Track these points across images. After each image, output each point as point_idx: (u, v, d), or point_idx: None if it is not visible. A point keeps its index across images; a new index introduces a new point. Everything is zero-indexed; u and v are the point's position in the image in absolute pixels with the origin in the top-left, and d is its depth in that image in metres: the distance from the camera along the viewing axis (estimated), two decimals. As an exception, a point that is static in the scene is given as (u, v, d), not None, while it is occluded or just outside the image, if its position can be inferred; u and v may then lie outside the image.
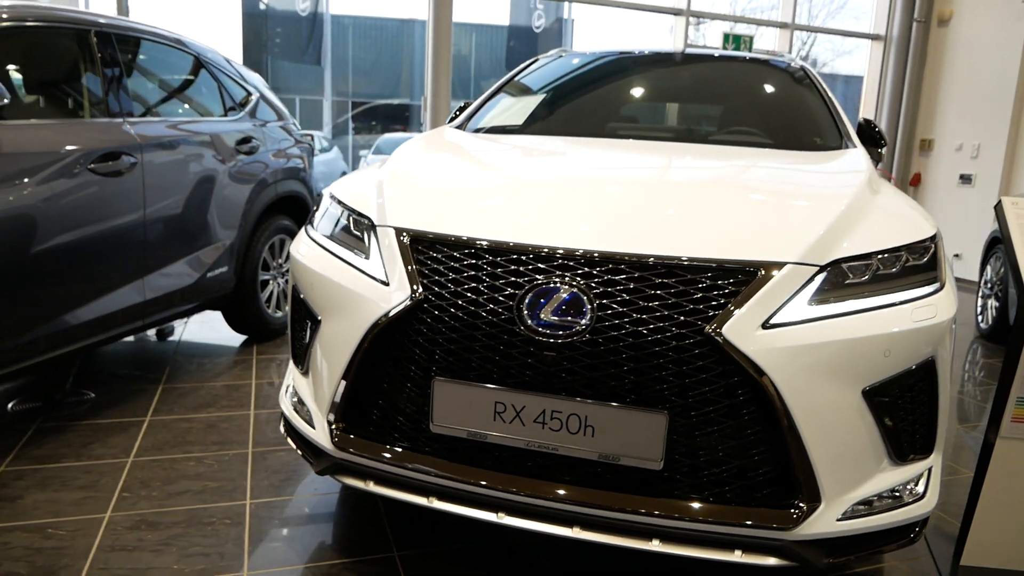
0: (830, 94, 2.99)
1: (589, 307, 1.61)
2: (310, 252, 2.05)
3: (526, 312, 1.64)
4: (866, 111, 7.83)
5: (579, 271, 1.66)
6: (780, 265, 1.65)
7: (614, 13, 7.31)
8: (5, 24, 2.51)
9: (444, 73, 6.00)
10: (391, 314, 1.75)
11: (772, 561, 1.63)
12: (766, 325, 1.59)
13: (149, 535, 2.13)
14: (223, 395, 3.22)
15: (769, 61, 3.30)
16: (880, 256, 1.77)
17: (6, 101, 2.30)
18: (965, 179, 7.24)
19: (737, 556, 1.62)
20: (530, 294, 1.65)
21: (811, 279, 1.67)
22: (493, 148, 2.42)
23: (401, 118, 14.63)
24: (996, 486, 2.12)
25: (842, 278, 1.71)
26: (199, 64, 3.58)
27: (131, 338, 4.02)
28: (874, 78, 7.74)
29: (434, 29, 6.01)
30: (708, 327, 1.57)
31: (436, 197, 1.99)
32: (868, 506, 1.70)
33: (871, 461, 1.69)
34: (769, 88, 3.12)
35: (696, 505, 1.62)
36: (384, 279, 1.80)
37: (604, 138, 2.72)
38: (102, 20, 2.92)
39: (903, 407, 1.71)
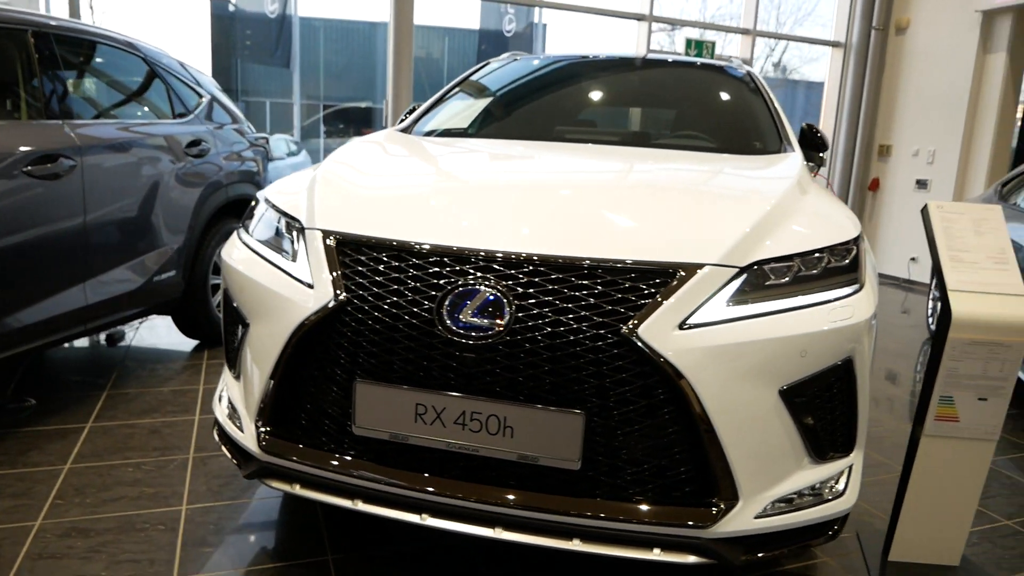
0: (774, 99, 3.04)
1: (508, 309, 1.62)
2: (240, 256, 2.04)
3: (446, 314, 1.65)
4: (827, 117, 7.96)
5: (499, 273, 1.67)
6: (699, 266, 1.67)
7: (584, 18, 7.37)
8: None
9: (405, 76, 6.00)
10: (314, 317, 1.75)
11: (691, 559, 1.65)
12: (683, 326, 1.61)
13: (79, 542, 2.11)
14: (169, 400, 3.19)
15: (717, 67, 3.34)
16: (801, 258, 1.80)
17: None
18: (921, 184, 7.38)
19: (656, 554, 1.64)
20: (450, 296, 1.66)
21: (730, 280, 1.70)
22: (430, 151, 2.43)
23: (371, 121, 14.59)
24: (921, 483, 2.16)
25: (763, 279, 1.74)
26: (148, 67, 3.55)
27: (85, 343, 3.97)
28: (835, 85, 7.86)
29: (395, 32, 6.01)
30: (625, 328, 1.59)
31: (364, 200, 1.99)
32: (787, 504, 1.72)
33: (790, 459, 1.72)
34: (715, 93, 3.16)
35: (614, 504, 1.64)
36: (310, 282, 1.80)
37: (547, 142, 2.73)
38: (40, 20, 2.89)
39: (821, 406, 1.74)
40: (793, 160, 2.47)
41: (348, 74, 14.55)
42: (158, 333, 4.23)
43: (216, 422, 2.08)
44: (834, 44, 7.98)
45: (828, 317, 1.71)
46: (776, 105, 2.98)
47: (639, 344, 1.57)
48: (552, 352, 1.60)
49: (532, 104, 3.17)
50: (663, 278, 1.65)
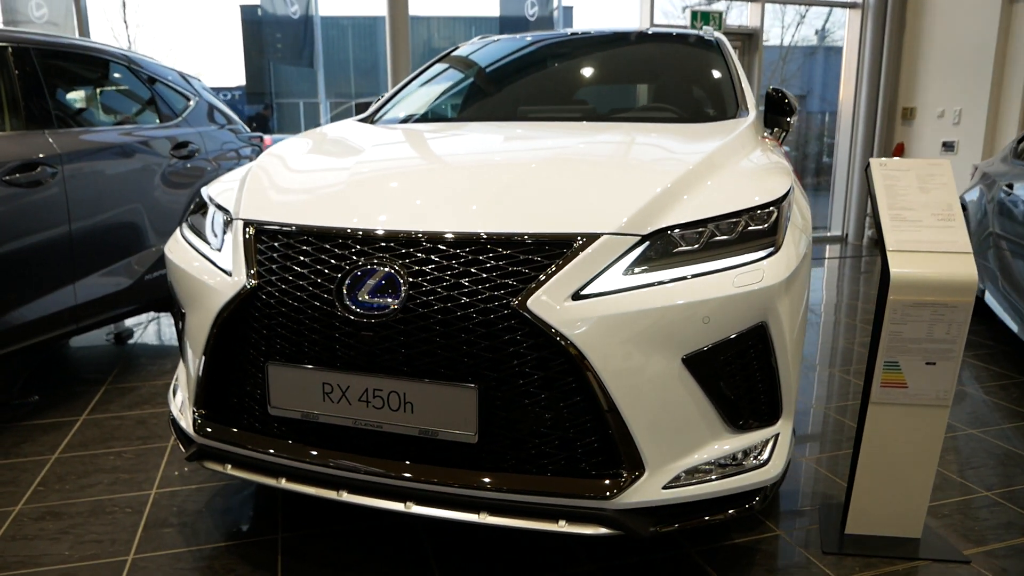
0: (738, 66, 2.97)
1: (403, 286, 1.65)
2: (177, 248, 2.11)
3: (346, 294, 1.68)
4: (847, 81, 7.65)
5: (396, 252, 1.69)
6: (595, 236, 1.66)
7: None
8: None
9: (403, 67, 6.04)
10: (231, 304, 1.80)
11: (597, 530, 1.65)
12: (577, 296, 1.60)
13: (51, 525, 2.23)
14: (161, 392, 3.32)
15: (685, 37, 3.28)
16: (715, 222, 1.76)
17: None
18: (948, 146, 7.04)
19: (562, 526, 1.64)
20: (349, 276, 1.69)
21: (631, 248, 1.68)
22: (366, 139, 2.45)
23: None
24: (872, 453, 2.10)
25: (671, 246, 1.71)
26: (134, 75, 3.68)
27: (94, 341, 4.16)
28: (853, 48, 7.55)
29: (391, 25, 6.07)
30: (515, 300, 1.59)
31: (283, 189, 2.03)
32: (700, 474, 1.70)
33: (702, 429, 1.70)
34: (677, 64, 3.11)
35: (516, 476, 1.64)
36: (230, 270, 1.86)
37: (498, 122, 2.73)
38: (18, 36, 3.02)
39: (734, 374, 1.71)
40: (738, 125, 2.41)
41: (375, 70, 14.72)
42: (164, 330, 4.40)
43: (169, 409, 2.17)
44: (851, 5, 7.65)
45: (734, 282, 1.67)
46: (738, 72, 2.90)
47: (528, 316, 1.57)
48: (445, 327, 1.62)
49: (493, 85, 3.17)
50: (558, 249, 1.65)
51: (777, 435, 1.81)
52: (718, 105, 2.76)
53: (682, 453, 1.68)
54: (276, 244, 1.82)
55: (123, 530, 2.20)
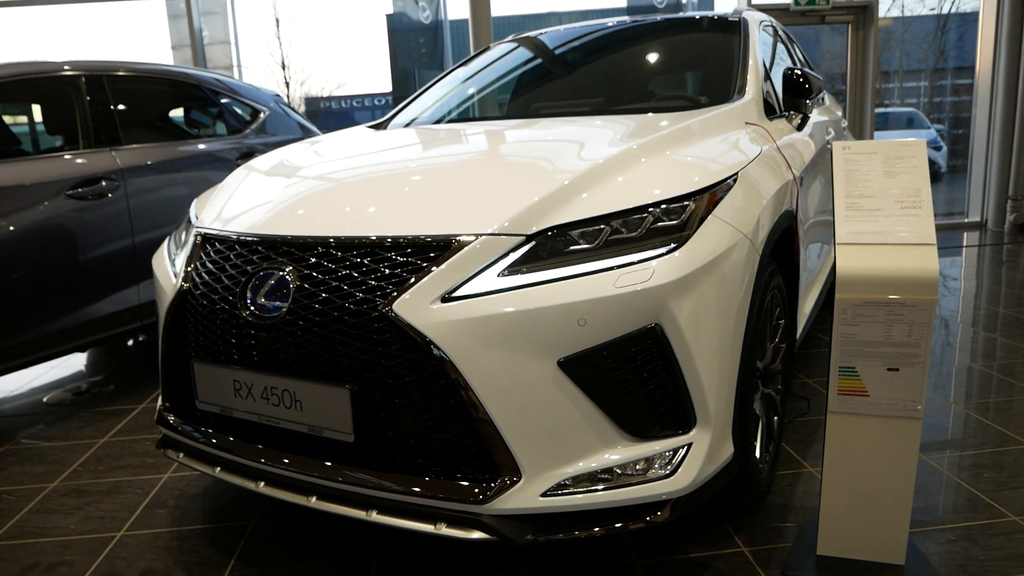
0: (752, 47, 2.75)
1: (291, 289, 1.71)
2: (157, 256, 2.31)
3: (248, 297, 1.77)
4: (983, 51, 6.76)
5: (291, 256, 1.76)
6: (472, 237, 1.64)
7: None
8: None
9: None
10: (171, 306, 1.96)
11: (475, 535, 1.62)
12: (447, 298, 1.59)
13: (71, 501, 2.52)
14: (214, 384, 3.62)
15: (707, 20, 3.09)
16: (617, 219, 1.68)
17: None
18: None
19: (442, 529, 1.64)
20: (252, 280, 1.78)
21: (514, 249, 1.64)
22: (335, 146, 2.51)
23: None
24: (836, 468, 1.90)
25: (564, 245, 1.66)
26: (201, 91, 4.03)
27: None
28: (991, 11, 6.64)
29: (473, 28, 6.15)
30: (384, 303, 1.60)
31: (233, 199, 2.16)
32: (589, 483, 1.63)
33: (589, 436, 1.62)
34: (690, 51, 2.95)
35: (394, 477, 1.66)
36: (179, 273, 2.02)
37: (483, 122, 2.73)
38: (90, 64, 3.42)
39: (624, 380, 1.62)
40: (716, 111, 2.25)
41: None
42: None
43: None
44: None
45: (616, 282, 1.58)
46: (750, 54, 2.70)
47: (395, 319, 1.58)
48: (323, 329, 1.66)
49: (499, 84, 3.17)
50: (437, 251, 1.64)
51: (689, 444, 1.68)
52: (717, 90, 2.58)
53: (565, 460, 1.62)
54: (210, 250, 1.95)
55: (126, 509, 2.44)
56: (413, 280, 1.61)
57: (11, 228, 2.94)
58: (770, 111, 2.71)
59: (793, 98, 2.67)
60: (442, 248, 1.64)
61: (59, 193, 3.11)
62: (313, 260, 1.72)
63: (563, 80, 3.19)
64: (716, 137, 2.11)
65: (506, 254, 1.63)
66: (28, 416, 3.34)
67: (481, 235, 1.64)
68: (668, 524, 1.71)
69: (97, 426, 3.17)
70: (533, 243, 1.64)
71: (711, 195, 1.78)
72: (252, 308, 1.75)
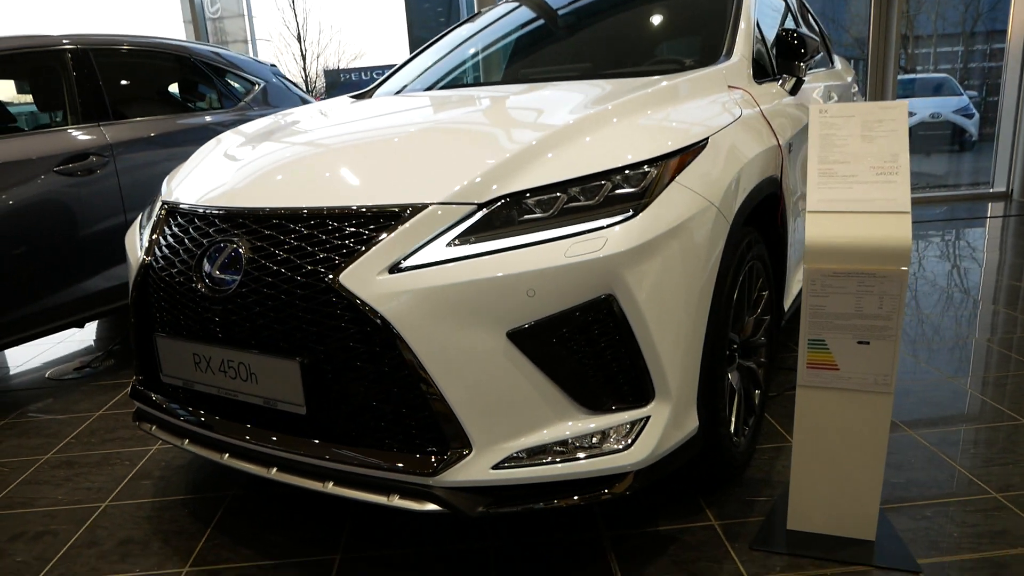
0: (746, 8, 2.65)
1: (243, 262, 1.69)
2: (130, 231, 2.31)
3: (205, 270, 1.76)
4: (1017, 13, 6.44)
5: (245, 229, 1.74)
6: (421, 207, 1.60)
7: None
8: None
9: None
10: (137, 277, 1.96)
11: (428, 507, 1.61)
12: (394, 269, 1.56)
13: (62, 473, 2.56)
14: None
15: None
16: (574, 186, 1.64)
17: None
18: None
19: (395, 501, 1.63)
20: (206, 253, 1.77)
21: (465, 218, 1.60)
22: (307, 117, 2.47)
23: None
24: (806, 442, 1.85)
25: (518, 213, 1.62)
26: (194, 64, 4.02)
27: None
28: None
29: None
30: (330, 275, 1.58)
31: (198, 171, 2.14)
32: (542, 455, 1.60)
33: (542, 408, 1.59)
34: (684, 12, 2.84)
35: (346, 449, 1.65)
36: (144, 247, 2.02)
37: (472, 87, 2.68)
38: (75, 37, 3.41)
39: (576, 352, 1.59)
40: (694, 74, 2.19)
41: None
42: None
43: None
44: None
45: (567, 252, 1.54)
46: (743, 13, 2.60)
47: (342, 290, 1.56)
48: (271, 302, 1.65)
49: (491, 49, 3.11)
50: (383, 221, 1.61)
51: (647, 418, 1.65)
52: (705, 52, 2.50)
53: (518, 433, 1.59)
54: (172, 223, 1.94)
55: (113, 480, 2.48)
56: (361, 251, 1.58)
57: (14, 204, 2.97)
58: (765, 75, 2.62)
59: (786, 61, 2.58)
60: (391, 218, 1.61)
61: (47, 170, 3.13)
62: (265, 232, 1.71)
63: (553, 44, 3.12)
64: (692, 101, 2.04)
65: (456, 223, 1.60)
66: (30, 391, 3.40)
67: (430, 204, 1.60)
68: (628, 497, 1.69)
69: (94, 399, 3.22)
70: (485, 212, 1.61)
71: (676, 161, 1.72)
72: (207, 281, 1.75)
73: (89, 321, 3.47)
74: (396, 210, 1.61)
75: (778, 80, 2.61)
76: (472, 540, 1.99)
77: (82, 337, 4.17)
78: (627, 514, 2.06)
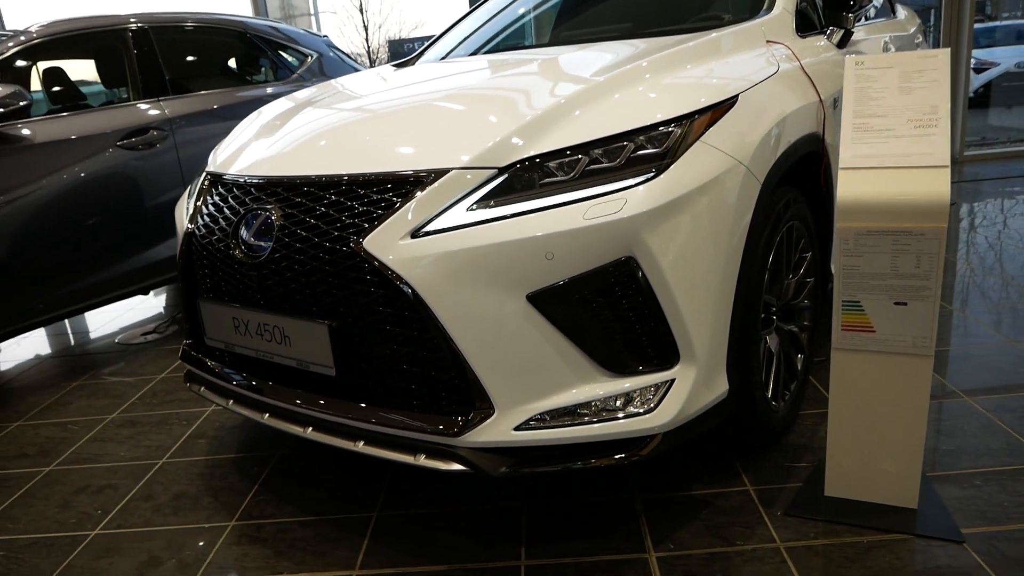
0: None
1: (275, 229, 1.75)
2: (179, 203, 2.40)
3: (242, 236, 1.82)
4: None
5: (278, 196, 1.79)
6: (442, 172, 1.61)
7: None
8: (38, 40, 3.22)
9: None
10: (182, 245, 2.05)
11: (454, 467, 1.64)
12: (415, 234, 1.58)
13: (125, 431, 2.72)
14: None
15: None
16: (595, 147, 1.62)
17: (24, 103, 2.97)
18: None
19: (421, 460, 1.67)
20: (243, 220, 1.83)
21: (485, 183, 1.61)
22: (356, 85, 2.51)
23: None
24: (841, 406, 1.81)
25: (539, 177, 1.61)
26: (248, 39, 4.10)
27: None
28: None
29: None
30: (355, 240, 1.61)
31: (241, 141, 2.20)
32: (564, 416, 1.61)
33: (565, 371, 1.60)
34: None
35: (374, 409, 1.69)
36: (189, 215, 2.10)
37: (512, 51, 2.66)
38: (137, 17, 3.53)
39: (600, 315, 1.58)
40: (730, 30, 2.13)
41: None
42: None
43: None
44: None
45: (585, 214, 1.53)
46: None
47: (366, 255, 1.59)
48: (303, 267, 1.69)
49: (535, 13, 3.08)
50: (405, 187, 1.63)
51: (672, 381, 1.63)
52: (748, 6, 2.41)
53: (540, 395, 1.60)
54: (214, 192, 2.01)
55: (171, 439, 2.62)
56: (384, 216, 1.61)
57: (66, 178, 3.12)
58: (811, 27, 2.51)
59: (832, 11, 2.46)
60: (413, 184, 1.63)
61: (112, 144, 3.27)
62: (295, 200, 1.75)
63: (596, 5, 3.06)
64: (724, 58, 1.98)
65: (476, 188, 1.60)
66: (102, 354, 3.60)
67: (451, 169, 1.61)
68: (661, 460, 1.69)
69: (158, 363, 3.38)
70: (506, 176, 1.61)
71: (702, 119, 1.68)
72: (244, 247, 1.81)
73: (153, 288, 3.64)
74: (418, 176, 1.63)
75: (825, 33, 2.50)
76: (504, 499, 2.02)
77: (150, 304, 4.38)
78: (661, 478, 2.06)
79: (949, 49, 1.68)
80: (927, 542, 1.73)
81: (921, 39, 4.06)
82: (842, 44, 2.52)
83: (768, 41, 2.17)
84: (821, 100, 2.14)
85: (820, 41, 2.44)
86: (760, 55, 2.05)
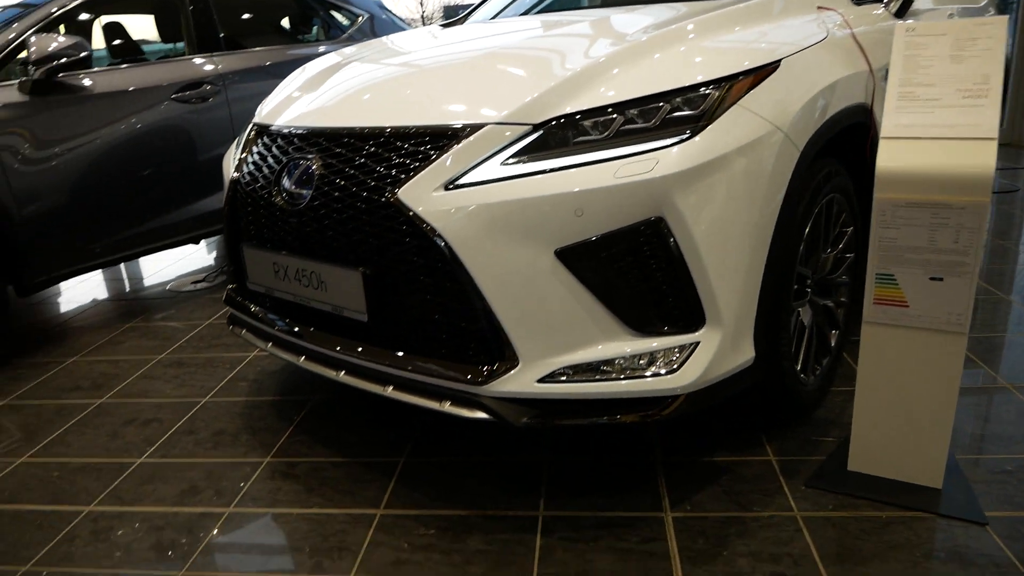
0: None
1: (315, 178, 1.80)
2: (227, 153, 2.47)
3: (283, 185, 1.88)
4: None
5: (315, 147, 1.84)
6: (479, 126, 1.64)
7: None
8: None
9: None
10: (228, 192, 2.12)
11: (478, 414, 1.69)
12: (449, 186, 1.62)
13: (172, 371, 2.84)
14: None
15: None
16: (632, 107, 1.62)
17: (85, 54, 3.07)
18: None
19: (447, 407, 1.71)
20: (285, 169, 1.88)
21: (520, 138, 1.63)
22: (402, 42, 2.53)
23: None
24: (869, 381, 1.79)
25: (574, 134, 1.63)
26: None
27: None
28: None
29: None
30: (390, 191, 1.65)
31: (288, 93, 2.25)
32: (587, 372, 1.64)
33: (591, 327, 1.62)
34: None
35: (402, 356, 1.75)
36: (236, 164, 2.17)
37: (560, 12, 2.65)
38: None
39: (627, 274, 1.60)
40: None
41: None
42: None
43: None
44: None
45: (616, 173, 1.54)
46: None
47: (400, 205, 1.63)
48: (340, 215, 1.74)
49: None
50: (441, 140, 1.66)
51: (696, 343, 1.64)
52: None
53: (565, 349, 1.63)
54: (259, 142, 2.07)
55: (214, 379, 2.73)
56: (419, 168, 1.64)
57: (123, 128, 3.23)
58: (871, -5, 2.44)
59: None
60: (449, 137, 1.65)
61: (167, 96, 3.38)
62: (336, 150, 1.80)
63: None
64: (772, 21, 1.94)
65: (511, 143, 1.62)
66: (154, 299, 3.75)
67: (487, 124, 1.63)
68: (687, 425, 1.70)
69: (205, 310, 3.51)
70: (541, 132, 1.62)
71: (742, 83, 1.66)
72: (285, 195, 1.87)
73: (203, 239, 3.76)
74: (454, 129, 1.66)
75: (883, 1, 2.43)
76: (528, 453, 2.07)
77: (200, 255, 4.52)
78: (685, 443, 2.08)
79: (1006, 17, 1.63)
80: (948, 522, 1.71)
81: (993, 12, 3.88)
82: (900, 13, 2.44)
83: (819, 7, 2.12)
84: (872, 70, 2.09)
85: (876, 9, 2.37)
86: (809, 21, 2.01)
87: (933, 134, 1.58)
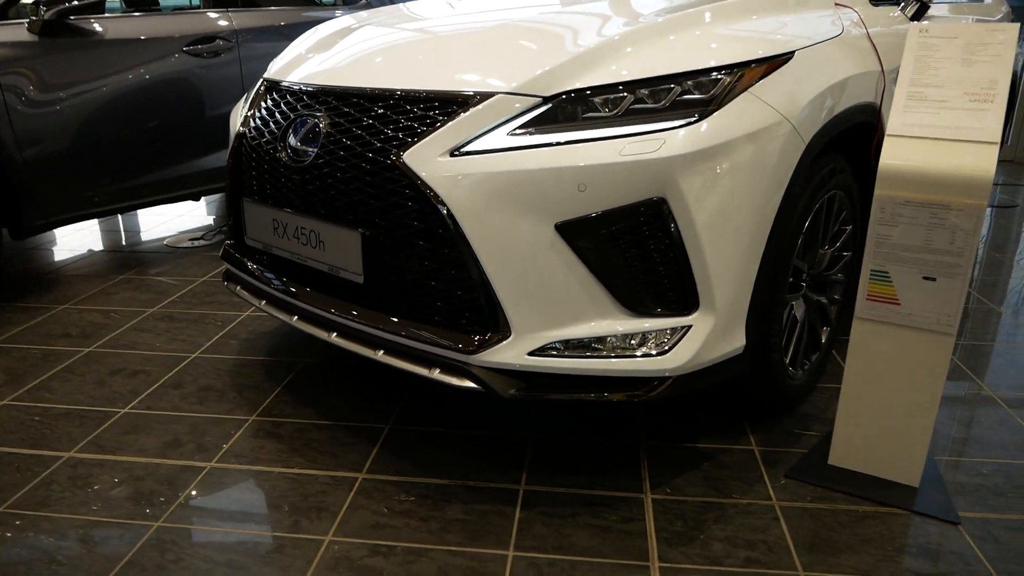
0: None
1: (321, 136, 1.79)
2: (235, 108, 2.46)
3: (289, 141, 1.88)
4: None
5: (324, 105, 1.83)
6: (488, 95, 1.64)
7: None
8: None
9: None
10: (232, 145, 2.11)
11: (466, 383, 1.70)
12: (455, 153, 1.62)
13: (163, 325, 2.84)
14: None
15: None
16: (642, 87, 1.62)
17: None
18: None
19: (436, 374, 1.72)
20: (292, 125, 1.88)
21: (529, 110, 1.63)
22: (418, 7, 2.52)
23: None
24: (856, 377, 1.81)
25: (582, 110, 1.63)
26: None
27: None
28: None
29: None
30: (395, 153, 1.65)
31: (298, 52, 2.24)
32: (578, 348, 1.65)
33: (585, 303, 1.63)
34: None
35: (394, 319, 1.75)
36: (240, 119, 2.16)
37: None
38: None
39: (625, 252, 1.60)
40: None
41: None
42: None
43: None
44: None
45: (621, 150, 1.54)
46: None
47: (404, 168, 1.63)
48: (343, 174, 1.74)
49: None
50: (450, 107, 1.66)
51: (688, 327, 1.65)
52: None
53: (557, 324, 1.64)
54: (267, 97, 2.07)
55: (204, 336, 2.73)
56: (426, 133, 1.64)
57: (131, 77, 3.21)
58: (888, -2, 2.44)
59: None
60: (458, 104, 1.65)
61: (178, 48, 3.35)
62: (344, 109, 1.79)
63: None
64: (788, 13, 1.94)
65: (520, 114, 1.62)
66: (150, 254, 3.74)
67: (496, 93, 1.63)
68: (672, 411, 1.70)
69: (201, 267, 3.51)
70: (550, 105, 1.62)
71: (753, 71, 1.66)
72: (290, 151, 1.86)
73: (204, 195, 3.75)
74: (464, 96, 1.65)
75: (900, 4, 2.42)
76: (513, 430, 2.08)
77: (200, 212, 4.51)
78: (669, 428, 2.09)
79: (1019, 24, 1.63)
80: (922, 519, 1.74)
81: (1005, 28, 3.87)
82: (916, 17, 2.44)
83: (837, 4, 2.12)
84: (883, 71, 2.10)
85: (892, 11, 2.36)
86: (826, 16, 2.01)
87: (937, 135, 1.59)
